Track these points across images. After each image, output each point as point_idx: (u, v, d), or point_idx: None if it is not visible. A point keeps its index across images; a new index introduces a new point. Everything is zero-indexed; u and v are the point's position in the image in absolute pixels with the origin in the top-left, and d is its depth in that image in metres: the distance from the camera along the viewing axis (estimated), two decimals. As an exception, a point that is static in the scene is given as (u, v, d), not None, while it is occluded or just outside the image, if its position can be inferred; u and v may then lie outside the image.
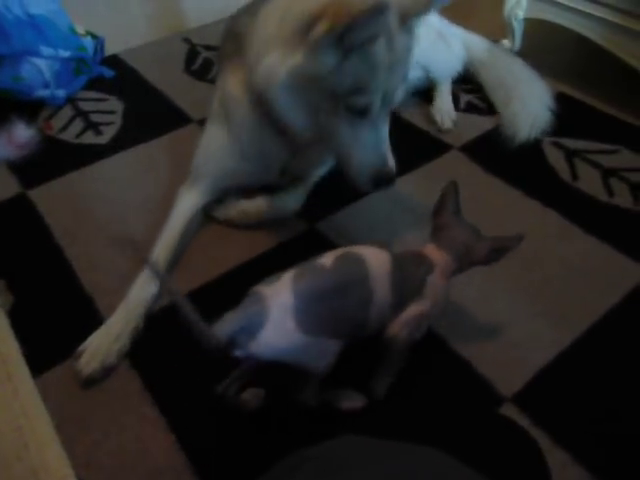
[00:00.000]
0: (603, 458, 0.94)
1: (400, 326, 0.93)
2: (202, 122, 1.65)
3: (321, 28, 0.93)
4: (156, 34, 2.13)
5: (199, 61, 1.95)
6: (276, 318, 0.81)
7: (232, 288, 1.19)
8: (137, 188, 1.46)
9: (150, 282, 1.16)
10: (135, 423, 0.99)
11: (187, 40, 2.07)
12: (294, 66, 1.00)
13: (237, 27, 1.24)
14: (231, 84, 1.22)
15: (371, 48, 0.96)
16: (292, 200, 1.34)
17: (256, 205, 1.33)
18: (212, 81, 1.84)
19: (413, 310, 0.93)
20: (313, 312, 0.84)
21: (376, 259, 0.91)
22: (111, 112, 1.72)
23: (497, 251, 0.96)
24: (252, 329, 0.81)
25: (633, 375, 1.05)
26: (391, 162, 1.08)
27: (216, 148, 1.30)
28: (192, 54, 1.99)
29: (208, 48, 2.02)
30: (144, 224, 1.35)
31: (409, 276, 0.93)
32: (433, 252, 0.96)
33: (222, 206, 1.34)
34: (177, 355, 1.09)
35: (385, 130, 1.08)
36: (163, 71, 1.91)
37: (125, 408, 1.01)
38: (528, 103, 1.57)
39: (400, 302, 0.92)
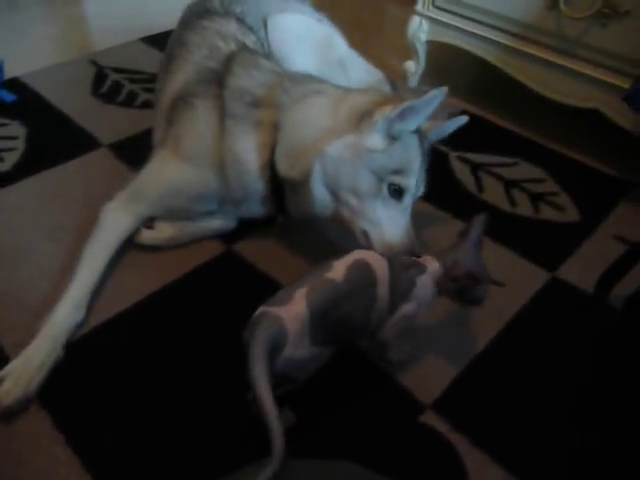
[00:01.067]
0: (520, 456, 0.98)
1: (390, 328, 0.99)
2: (112, 146, 1.62)
3: (384, 111, 1.11)
4: (61, 56, 2.06)
5: (107, 83, 1.90)
6: (296, 336, 0.87)
7: (150, 317, 1.18)
8: (43, 216, 1.39)
9: (75, 309, 1.12)
10: (47, 465, 0.93)
11: (94, 62, 2.01)
12: (350, 141, 1.13)
13: (243, 85, 1.25)
14: (243, 149, 1.22)
15: (410, 140, 1.16)
16: (229, 222, 1.36)
17: (194, 225, 1.33)
18: (122, 104, 1.80)
19: (402, 311, 0.98)
20: (324, 324, 0.89)
21: (379, 265, 0.96)
22: (12, 138, 1.63)
23: (471, 278, 0.99)
24: (276, 348, 0.86)
25: (543, 374, 1.11)
26: (416, 244, 1.19)
27: (179, 186, 1.27)
28: (100, 77, 1.94)
29: (117, 70, 1.97)
30: (52, 254, 1.28)
31: (401, 278, 0.98)
32: (427, 260, 1.02)
33: (153, 230, 1.31)
34: (87, 390, 1.04)
35: (410, 216, 1.20)
36: (69, 94, 1.84)
37: (35, 450, 0.95)
38: None
39: (394, 304, 0.97)
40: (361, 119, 1.14)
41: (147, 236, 1.30)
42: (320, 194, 1.17)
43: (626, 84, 1.41)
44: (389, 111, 1.11)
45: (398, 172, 1.15)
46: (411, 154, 1.17)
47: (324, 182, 1.16)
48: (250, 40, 1.40)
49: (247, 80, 1.26)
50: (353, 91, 1.24)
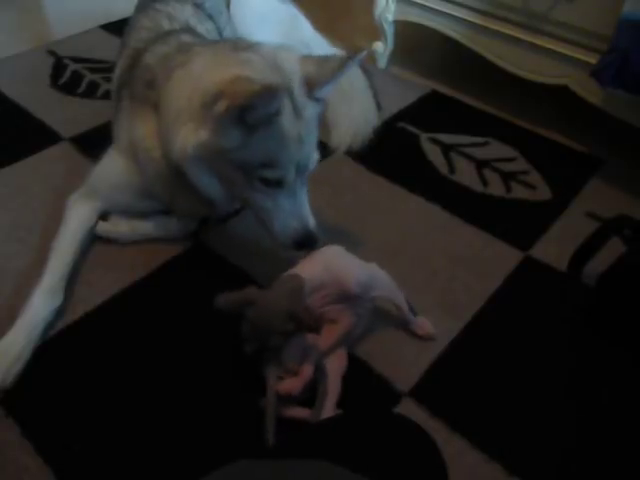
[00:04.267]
0: (498, 441, 0.97)
1: None
2: (74, 140, 1.56)
3: (220, 107, 0.94)
4: (17, 46, 1.97)
5: (67, 74, 1.83)
6: None
7: (119, 316, 1.14)
8: (3, 216, 1.33)
9: (50, 294, 1.09)
10: (16, 476, 0.90)
11: (52, 52, 1.94)
12: (201, 142, 1.00)
13: (149, 62, 1.17)
14: (142, 134, 1.15)
15: (277, 123, 0.97)
16: (187, 224, 1.29)
17: (149, 226, 1.28)
18: (83, 95, 1.74)
19: None
20: None
21: None
22: (-33, 135, 1.57)
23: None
24: None
25: (520, 354, 1.11)
26: (312, 224, 1.08)
27: (120, 181, 1.24)
28: (59, 67, 1.86)
29: (76, 60, 1.90)
30: (15, 255, 1.24)
31: None
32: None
33: (107, 222, 1.27)
34: (55, 395, 1.01)
35: (303, 195, 1.08)
36: (27, 87, 1.76)
37: (3, 461, 0.92)
38: (353, 118, 1.59)
39: None
40: (211, 107, 0.96)
41: (102, 228, 1.26)
42: (202, 184, 1.09)
43: (594, 60, 1.40)
44: (227, 105, 0.93)
45: (266, 165, 1.01)
46: (274, 144, 0.99)
47: (200, 173, 1.06)
48: (205, 27, 1.33)
49: (152, 56, 1.17)
50: (225, 58, 1.03)
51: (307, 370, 0.95)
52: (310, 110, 1.02)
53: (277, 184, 1.03)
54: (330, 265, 1.02)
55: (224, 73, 0.98)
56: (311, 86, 1.01)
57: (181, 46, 1.16)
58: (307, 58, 1.04)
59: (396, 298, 1.10)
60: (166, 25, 1.29)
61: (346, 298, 1.01)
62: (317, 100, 1.03)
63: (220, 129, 0.97)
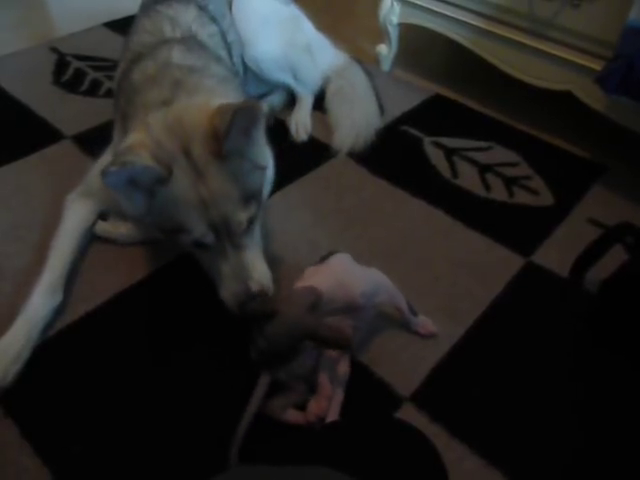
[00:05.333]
0: (498, 447, 0.97)
1: None
2: (76, 138, 1.56)
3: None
4: (20, 43, 1.97)
5: (70, 72, 1.83)
6: None
7: (119, 317, 1.14)
8: (3, 214, 1.33)
9: (50, 293, 1.10)
10: (15, 477, 0.90)
11: (55, 49, 1.93)
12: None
13: (134, 78, 1.14)
14: None
15: (170, 186, 0.90)
16: None
17: (147, 228, 1.26)
18: (85, 93, 1.74)
19: None
20: None
21: None
22: (-31, 131, 1.56)
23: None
24: None
25: (521, 360, 1.11)
26: (256, 286, 0.96)
27: None
28: (61, 64, 1.86)
29: (79, 58, 1.89)
30: (15, 254, 1.23)
31: None
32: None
33: (107, 222, 1.27)
34: (54, 396, 1.00)
35: (244, 255, 0.97)
36: (29, 84, 1.76)
37: (2, 461, 0.91)
38: (355, 119, 1.59)
39: None
40: None
41: (101, 228, 1.26)
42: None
43: (598, 66, 1.40)
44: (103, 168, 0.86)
45: (177, 230, 0.94)
46: (174, 207, 0.91)
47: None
48: (208, 31, 1.31)
49: (138, 73, 1.13)
50: (138, 122, 0.98)
51: (339, 395, 0.97)
52: (218, 174, 0.91)
53: (202, 247, 0.96)
54: (340, 278, 0.99)
55: (126, 140, 0.96)
56: (214, 150, 0.90)
57: (159, 72, 1.11)
58: (220, 109, 0.91)
59: (397, 301, 1.09)
60: (167, 30, 1.26)
61: (350, 309, 1.01)
62: (229, 160, 0.91)
63: (121, 195, 0.94)
